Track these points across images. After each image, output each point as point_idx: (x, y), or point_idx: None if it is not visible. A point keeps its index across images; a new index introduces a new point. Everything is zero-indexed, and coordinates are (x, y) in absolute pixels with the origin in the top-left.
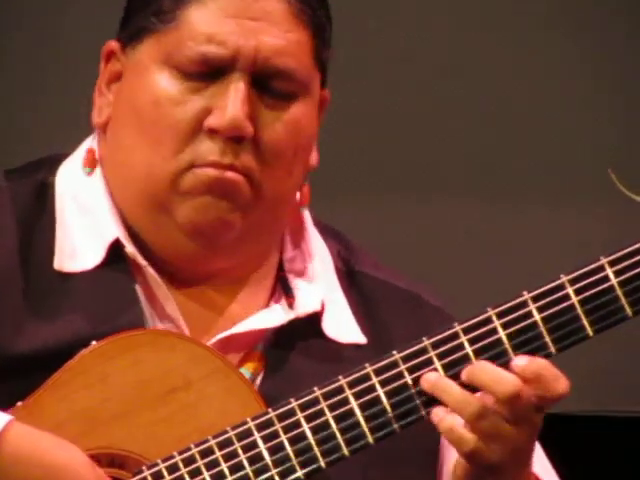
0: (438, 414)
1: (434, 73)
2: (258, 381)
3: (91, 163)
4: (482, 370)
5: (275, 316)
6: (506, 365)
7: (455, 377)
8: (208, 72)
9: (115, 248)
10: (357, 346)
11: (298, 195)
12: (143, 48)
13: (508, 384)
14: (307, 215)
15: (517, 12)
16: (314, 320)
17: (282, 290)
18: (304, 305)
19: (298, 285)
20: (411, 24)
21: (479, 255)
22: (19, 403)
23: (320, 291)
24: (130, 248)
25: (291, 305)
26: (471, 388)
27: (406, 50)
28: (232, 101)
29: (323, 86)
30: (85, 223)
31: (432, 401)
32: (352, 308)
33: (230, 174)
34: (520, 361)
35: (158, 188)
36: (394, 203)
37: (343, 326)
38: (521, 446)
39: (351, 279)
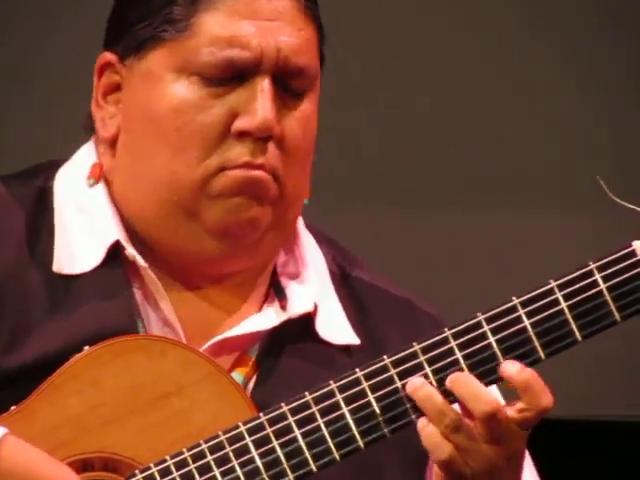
0: (422, 420)
1: (430, 83)
2: (250, 385)
3: (98, 176)
4: (465, 383)
5: (268, 319)
6: (495, 369)
7: (444, 382)
8: (229, 76)
9: (114, 251)
10: (350, 348)
11: None
12: (153, 57)
13: (486, 404)
14: (299, 220)
15: (516, 14)
16: (307, 322)
17: (275, 294)
18: (296, 306)
19: (290, 287)
20: (409, 36)
21: (470, 262)
22: (13, 407)
23: (312, 292)
24: (130, 250)
25: (284, 307)
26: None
27: (401, 60)
28: (261, 103)
29: None
30: (84, 226)
31: None
32: (345, 311)
33: (260, 173)
34: (509, 367)
35: (184, 195)
36: (386, 213)
37: (336, 328)
38: (499, 465)
39: (345, 283)
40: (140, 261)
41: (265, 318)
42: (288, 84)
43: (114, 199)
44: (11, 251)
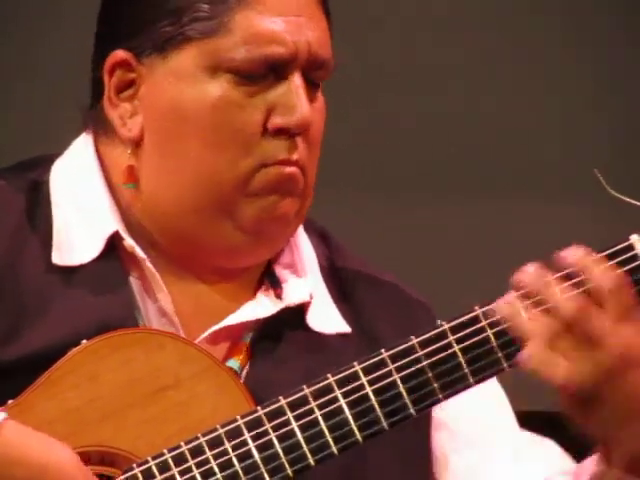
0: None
1: (431, 74)
2: (246, 372)
3: (134, 179)
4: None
5: (265, 307)
6: (496, 359)
7: (441, 374)
8: (264, 73)
9: (112, 242)
10: (342, 335)
11: None
12: (182, 56)
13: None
14: None
15: (516, 12)
16: (299, 313)
17: (269, 283)
18: (292, 296)
19: (286, 277)
20: (411, 28)
21: (468, 254)
22: (10, 401)
23: (308, 283)
24: (129, 241)
25: (279, 296)
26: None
27: (401, 53)
28: (299, 99)
29: None
30: (83, 219)
31: (421, 399)
32: (335, 301)
33: (294, 169)
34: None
35: (223, 191)
36: (383, 203)
37: (327, 318)
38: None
39: (333, 273)
40: (139, 252)
41: (262, 306)
42: (312, 76)
43: (117, 192)
44: (6, 242)
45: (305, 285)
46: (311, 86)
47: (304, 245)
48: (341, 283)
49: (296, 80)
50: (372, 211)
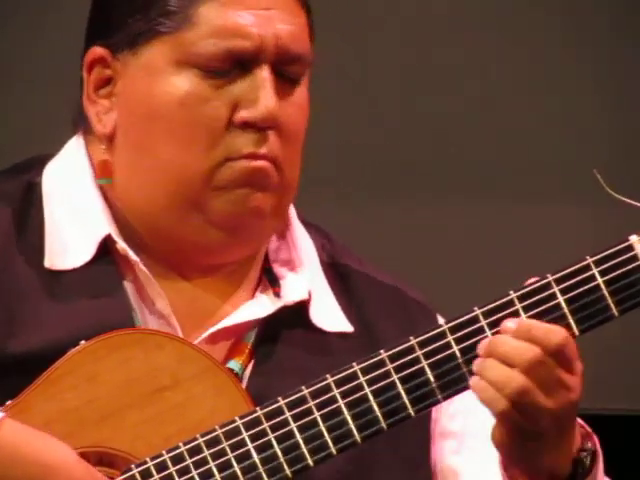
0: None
1: (431, 74)
2: (247, 373)
3: (108, 174)
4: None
5: (263, 306)
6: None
7: (440, 374)
8: (230, 67)
9: (105, 245)
10: (344, 335)
11: None
12: (151, 51)
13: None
14: (291, 207)
15: (516, 12)
16: (301, 310)
17: (267, 281)
18: (291, 294)
19: (283, 274)
20: (411, 28)
21: (469, 255)
22: (8, 402)
23: (306, 280)
24: (122, 244)
25: (277, 295)
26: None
27: (401, 53)
28: (264, 93)
29: None
30: (75, 221)
31: (420, 399)
32: (337, 298)
33: (263, 163)
34: (509, 323)
35: (191, 187)
36: (384, 205)
37: (330, 315)
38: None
39: (335, 271)
40: (131, 255)
41: (260, 306)
42: (285, 71)
43: (109, 193)
44: (0, 245)
45: (303, 283)
46: (286, 81)
47: (303, 241)
48: (343, 279)
49: (262, 74)
50: (372, 212)
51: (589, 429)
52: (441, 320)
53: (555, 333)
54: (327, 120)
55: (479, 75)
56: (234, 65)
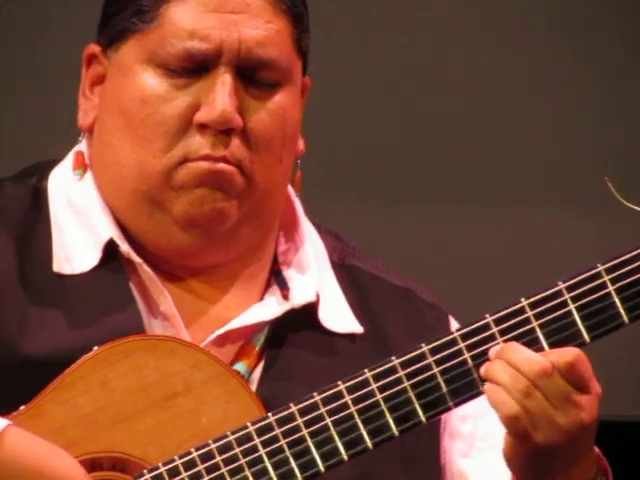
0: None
1: (434, 80)
2: (255, 375)
3: (81, 165)
4: (512, 350)
5: (270, 309)
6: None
7: (452, 381)
8: (193, 68)
9: (110, 248)
10: (354, 336)
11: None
12: (125, 49)
13: (536, 363)
14: (299, 206)
15: (516, 12)
16: (310, 311)
17: (276, 283)
18: (299, 296)
19: (292, 276)
20: (411, 28)
21: (473, 262)
22: (22, 407)
23: (314, 282)
24: (124, 247)
25: (286, 297)
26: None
27: (401, 53)
28: (220, 95)
29: (304, 73)
30: (79, 226)
31: (431, 405)
32: (347, 299)
33: (222, 166)
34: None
35: (151, 185)
36: (394, 210)
37: (339, 316)
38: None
39: (345, 271)
40: (134, 257)
41: (268, 308)
42: (256, 76)
43: (100, 190)
44: (8, 251)
45: (311, 285)
46: (258, 86)
47: (312, 242)
48: (353, 280)
49: (221, 77)
50: (376, 219)
51: (605, 464)
52: (454, 321)
53: (567, 350)
54: (327, 123)
55: (485, 81)
56: (196, 66)
